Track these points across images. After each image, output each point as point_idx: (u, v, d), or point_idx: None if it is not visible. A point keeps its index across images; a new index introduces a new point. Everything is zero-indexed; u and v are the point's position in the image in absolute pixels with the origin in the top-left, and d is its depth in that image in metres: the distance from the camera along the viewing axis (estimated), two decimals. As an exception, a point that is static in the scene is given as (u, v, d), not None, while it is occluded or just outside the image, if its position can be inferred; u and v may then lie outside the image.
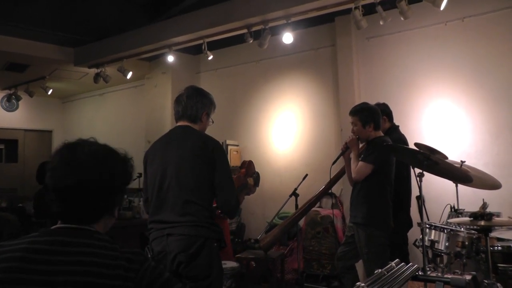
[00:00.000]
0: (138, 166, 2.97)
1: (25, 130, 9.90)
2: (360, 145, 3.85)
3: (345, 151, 3.87)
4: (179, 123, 2.89)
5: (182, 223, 2.61)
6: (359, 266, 3.97)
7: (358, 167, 3.65)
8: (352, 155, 3.79)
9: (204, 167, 2.69)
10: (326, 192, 4.59)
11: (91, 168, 1.39)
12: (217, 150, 2.75)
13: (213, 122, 3.01)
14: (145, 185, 2.92)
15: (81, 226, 1.40)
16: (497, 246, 3.18)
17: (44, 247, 1.32)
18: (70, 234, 1.37)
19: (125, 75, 6.72)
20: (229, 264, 5.08)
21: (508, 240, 3.34)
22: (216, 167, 2.70)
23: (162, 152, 2.82)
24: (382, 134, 3.89)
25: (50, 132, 10.22)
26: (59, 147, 1.44)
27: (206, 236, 2.63)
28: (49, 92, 8.13)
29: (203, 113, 2.88)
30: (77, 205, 1.40)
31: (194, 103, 2.85)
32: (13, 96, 8.71)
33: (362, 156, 3.72)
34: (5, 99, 9.05)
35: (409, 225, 4.29)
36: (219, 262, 2.75)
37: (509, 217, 4.04)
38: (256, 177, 4.01)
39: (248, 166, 3.87)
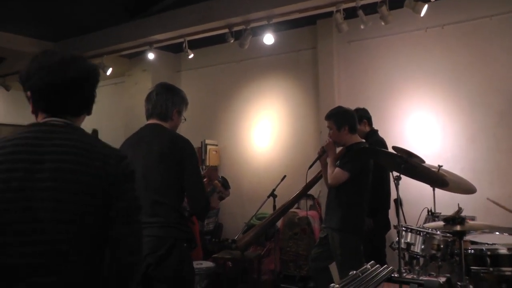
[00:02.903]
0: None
1: (1, 125, 9.67)
2: (338, 150, 3.86)
3: (321, 155, 3.86)
4: (149, 121, 2.82)
5: (151, 224, 2.54)
6: (333, 268, 3.98)
7: (335, 173, 3.65)
8: (328, 160, 3.78)
9: (172, 167, 2.63)
10: (303, 195, 4.59)
11: (72, 67, 1.57)
12: (186, 149, 2.69)
13: (185, 119, 2.94)
14: None
15: (65, 120, 1.59)
16: (471, 250, 3.22)
17: (32, 135, 1.53)
18: (56, 125, 1.56)
19: (105, 72, 6.60)
20: (205, 264, 5.06)
21: (481, 243, 3.39)
22: (185, 166, 2.64)
23: (130, 152, 2.69)
24: (359, 138, 3.91)
25: (27, 127, 10.01)
26: (37, 55, 1.60)
27: (176, 237, 2.58)
28: (27, 87, 7.93)
29: (174, 110, 2.80)
30: (63, 98, 1.57)
31: (164, 101, 2.78)
32: (-12, 89, 8.49)
33: (339, 162, 3.72)
34: (-20, 92, 8.82)
35: (387, 227, 4.34)
36: (190, 263, 2.70)
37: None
38: (223, 181, 3.96)
39: (208, 173, 3.82)
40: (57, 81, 1.54)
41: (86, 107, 1.68)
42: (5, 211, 1.42)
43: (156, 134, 2.73)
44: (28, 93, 1.58)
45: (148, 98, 2.84)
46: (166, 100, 2.78)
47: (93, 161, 1.50)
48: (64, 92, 1.57)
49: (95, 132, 5.61)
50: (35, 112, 1.62)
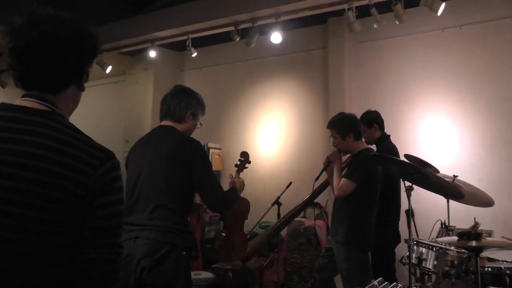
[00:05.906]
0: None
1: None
2: (344, 158, 3.71)
3: (327, 165, 3.73)
4: (162, 123, 2.85)
5: (150, 226, 2.53)
6: (338, 279, 3.78)
7: (341, 184, 3.49)
8: (334, 170, 3.63)
9: (179, 170, 2.62)
10: (309, 203, 4.43)
11: (57, 23, 1.29)
12: (194, 152, 2.67)
13: (201, 125, 2.95)
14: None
15: (43, 103, 1.30)
16: (488, 268, 3.04)
17: None
18: (28, 111, 1.27)
19: (104, 69, 6.46)
20: (204, 274, 4.96)
21: (499, 261, 3.20)
22: (194, 170, 2.63)
23: (140, 152, 2.79)
24: (365, 144, 3.78)
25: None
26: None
27: (174, 243, 2.52)
28: (24, 84, 7.80)
29: (188, 113, 2.80)
30: (42, 64, 1.28)
31: (177, 103, 2.79)
32: (-16, 86, 8.34)
33: (346, 172, 3.58)
34: (-25, 88, 8.66)
35: (397, 240, 4.16)
36: (187, 273, 2.63)
37: (503, 237, 3.85)
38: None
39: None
40: (21, 43, 1.25)
41: (70, 78, 1.34)
42: None
43: (165, 137, 2.75)
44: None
45: (163, 99, 2.88)
46: (180, 102, 2.80)
47: (60, 168, 1.21)
48: (32, 57, 1.26)
49: None
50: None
